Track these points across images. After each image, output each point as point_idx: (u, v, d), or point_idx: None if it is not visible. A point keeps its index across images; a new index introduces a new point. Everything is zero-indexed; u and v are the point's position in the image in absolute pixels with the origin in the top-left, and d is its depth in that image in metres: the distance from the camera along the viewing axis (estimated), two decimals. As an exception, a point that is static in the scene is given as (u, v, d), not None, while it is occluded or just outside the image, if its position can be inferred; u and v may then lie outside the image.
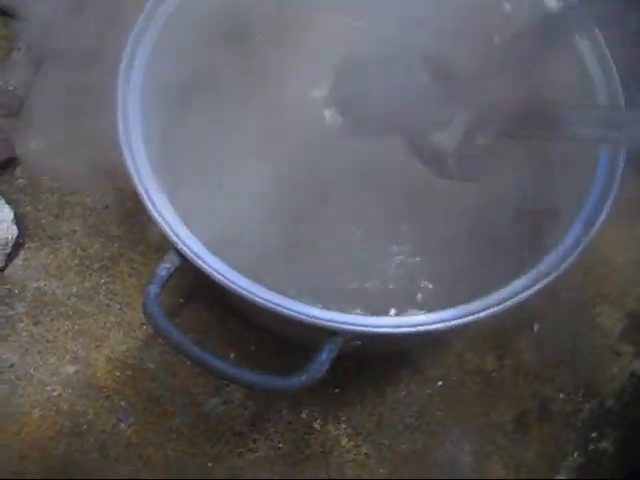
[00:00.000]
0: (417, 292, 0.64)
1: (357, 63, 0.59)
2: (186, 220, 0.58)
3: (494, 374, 0.69)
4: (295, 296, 0.49)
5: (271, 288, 0.49)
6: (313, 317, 0.47)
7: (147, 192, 0.52)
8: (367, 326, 0.47)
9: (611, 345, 0.71)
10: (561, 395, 0.69)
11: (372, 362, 0.69)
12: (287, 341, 0.68)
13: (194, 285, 0.71)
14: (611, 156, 0.55)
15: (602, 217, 0.53)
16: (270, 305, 0.47)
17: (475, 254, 0.64)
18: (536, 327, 0.71)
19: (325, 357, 0.48)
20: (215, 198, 0.65)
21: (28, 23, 0.79)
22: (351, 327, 0.47)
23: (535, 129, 0.53)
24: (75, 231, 0.73)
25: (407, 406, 0.68)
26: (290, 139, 0.66)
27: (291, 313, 0.47)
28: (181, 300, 0.71)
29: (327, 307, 0.49)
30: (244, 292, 0.48)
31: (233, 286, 0.48)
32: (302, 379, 0.48)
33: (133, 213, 0.73)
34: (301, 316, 0.47)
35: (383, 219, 0.66)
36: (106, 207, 0.74)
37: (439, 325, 0.49)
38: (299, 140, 0.65)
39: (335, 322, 0.47)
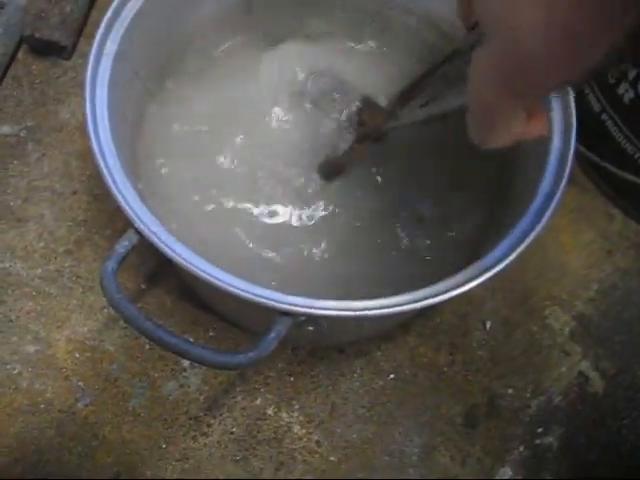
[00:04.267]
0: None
1: None
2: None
3: (445, 369, 0.71)
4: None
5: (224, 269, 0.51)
6: (257, 295, 0.48)
7: (109, 170, 0.54)
8: (310, 307, 0.49)
9: (560, 345, 0.73)
10: (510, 391, 0.71)
11: (327, 353, 0.71)
12: (245, 328, 0.70)
13: (157, 271, 0.72)
14: (561, 153, 0.57)
15: (549, 213, 0.55)
16: (217, 282, 0.49)
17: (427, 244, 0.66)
18: (488, 325, 0.73)
19: (273, 336, 0.50)
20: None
21: (6, 9, 0.81)
22: (294, 307, 0.48)
23: None
24: (43, 215, 0.74)
25: (360, 397, 0.70)
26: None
27: (235, 290, 0.48)
28: (143, 286, 0.72)
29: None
30: (194, 269, 0.49)
31: (184, 263, 0.50)
32: (249, 356, 0.49)
33: (101, 199, 0.75)
34: (244, 294, 0.48)
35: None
36: (74, 193, 0.75)
37: (383, 310, 0.50)
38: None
39: (278, 301, 0.48)
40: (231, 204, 0.67)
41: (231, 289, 0.49)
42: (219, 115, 0.70)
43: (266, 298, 0.49)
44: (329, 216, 0.67)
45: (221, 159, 0.68)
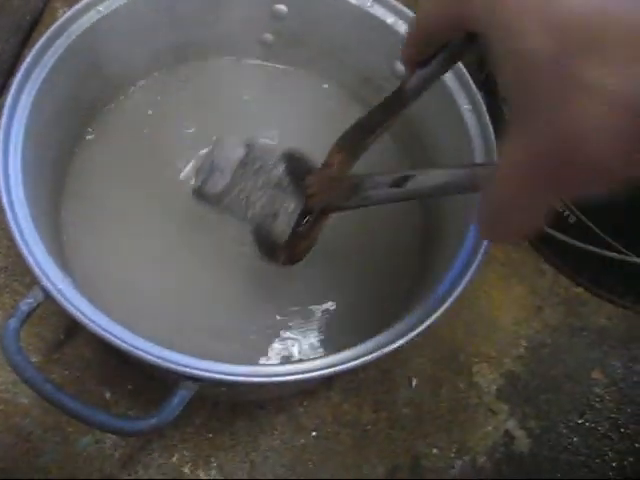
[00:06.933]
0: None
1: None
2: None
3: (369, 427, 0.70)
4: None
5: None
6: (158, 358, 0.47)
7: (17, 223, 0.52)
8: (214, 372, 0.47)
9: (487, 403, 0.72)
10: (434, 451, 0.70)
11: (247, 409, 0.69)
12: (164, 382, 0.68)
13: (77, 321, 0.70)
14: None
15: (468, 277, 0.54)
16: (118, 342, 0.48)
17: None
18: (414, 382, 0.72)
19: (177, 402, 0.48)
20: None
21: None
22: (196, 372, 0.47)
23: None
24: (-40, 261, 0.72)
25: (280, 455, 0.68)
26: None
27: (138, 352, 0.47)
28: (62, 336, 0.70)
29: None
30: (97, 329, 0.48)
31: (88, 322, 0.48)
32: (151, 422, 0.48)
33: (22, 245, 0.72)
34: (146, 356, 0.47)
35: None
36: (-7, 238, 0.73)
37: (295, 376, 0.49)
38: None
39: (180, 365, 0.47)
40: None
41: (133, 350, 0.48)
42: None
43: (167, 361, 0.47)
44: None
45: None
